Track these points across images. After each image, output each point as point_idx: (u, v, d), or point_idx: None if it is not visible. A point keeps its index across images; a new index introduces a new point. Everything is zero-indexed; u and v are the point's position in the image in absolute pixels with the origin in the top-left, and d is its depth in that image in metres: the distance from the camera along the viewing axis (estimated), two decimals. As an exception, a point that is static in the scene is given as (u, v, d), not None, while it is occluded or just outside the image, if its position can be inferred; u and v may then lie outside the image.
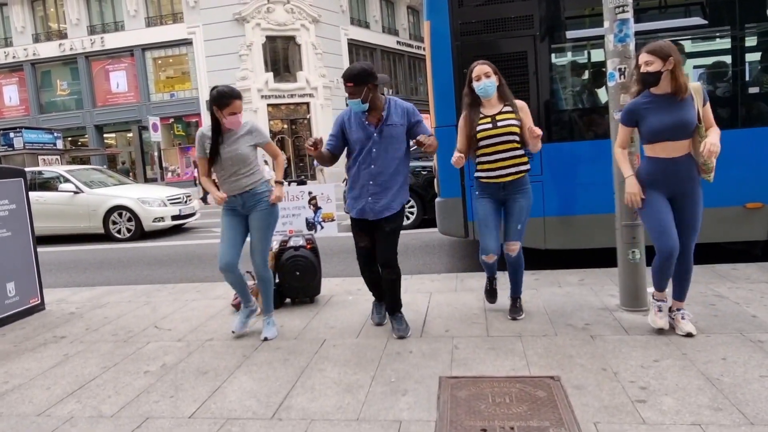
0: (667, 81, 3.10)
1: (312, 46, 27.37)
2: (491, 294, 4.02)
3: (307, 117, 28.06)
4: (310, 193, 4.82)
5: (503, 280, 4.00)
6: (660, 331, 3.37)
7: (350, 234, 3.87)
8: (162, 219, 10.31)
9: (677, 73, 3.06)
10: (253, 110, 25.94)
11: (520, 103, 3.61)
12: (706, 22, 4.95)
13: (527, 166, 3.61)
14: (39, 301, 4.89)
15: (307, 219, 4.77)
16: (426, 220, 8.71)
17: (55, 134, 20.23)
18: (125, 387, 3.15)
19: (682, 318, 3.36)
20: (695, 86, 3.15)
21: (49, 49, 27.54)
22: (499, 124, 3.50)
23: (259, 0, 26.05)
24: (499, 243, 3.70)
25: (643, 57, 3.10)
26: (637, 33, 3.74)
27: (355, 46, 29.92)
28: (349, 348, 3.52)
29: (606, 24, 3.74)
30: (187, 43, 26.90)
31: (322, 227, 4.74)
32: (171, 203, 10.66)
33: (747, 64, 4.89)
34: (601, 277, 4.69)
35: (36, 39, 27.85)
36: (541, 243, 5.14)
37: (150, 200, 10.34)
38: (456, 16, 5.04)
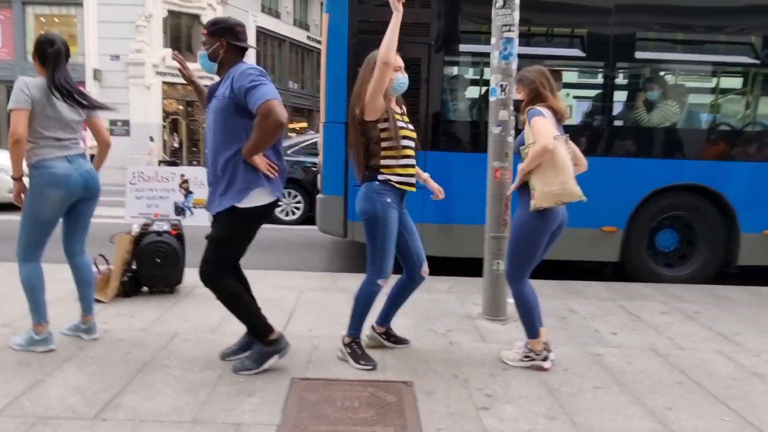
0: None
1: (218, 27, 26.18)
2: (369, 358, 3.11)
3: (206, 100, 26.77)
4: (182, 176, 4.50)
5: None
6: (513, 342, 3.51)
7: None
8: None
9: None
10: (146, 86, 24.28)
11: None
12: (583, 54, 5.30)
13: None
14: None
15: (175, 203, 4.45)
16: (311, 216, 8.57)
17: None
18: None
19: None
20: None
21: None
22: (409, 126, 3.12)
23: (164, -29, 24.50)
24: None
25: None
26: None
27: (263, 35, 29.07)
28: (202, 344, 3.30)
29: (493, 41, 3.86)
30: (77, 4, 24.61)
31: (192, 213, 4.44)
32: (33, 174, 9.56)
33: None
34: (468, 286, 4.83)
35: None
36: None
37: (5, 167, 9.20)
38: (355, 12, 4.98)
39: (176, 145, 26.57)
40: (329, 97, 5.11)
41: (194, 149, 27.14)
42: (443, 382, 2.91)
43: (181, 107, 26.99)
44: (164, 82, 25.22)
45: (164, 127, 25.96)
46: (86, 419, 2.39)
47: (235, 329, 3.53)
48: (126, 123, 24.43)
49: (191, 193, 4.44)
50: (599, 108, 5.27)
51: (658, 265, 5.41)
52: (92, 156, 3.42)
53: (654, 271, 5.35)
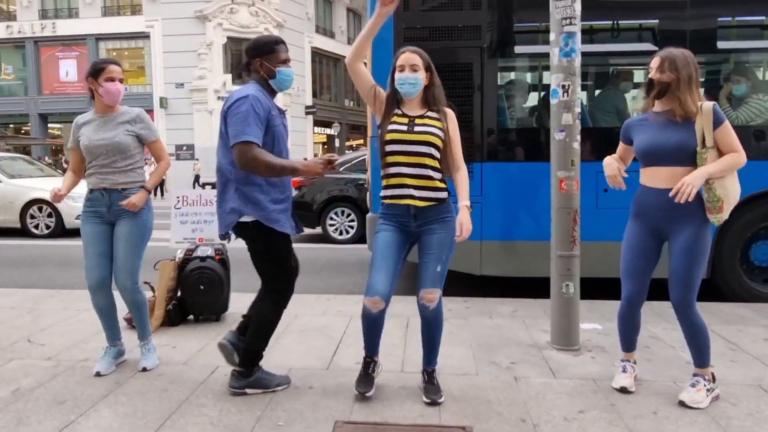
0: (673, 96, 2.64)
1: (275, 51, 26.86)
2: (366, 381, 2.82)
3: (265, 122, 27.42)
4: (227, 198, 4.33)
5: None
6: (589, 378, 3.06)
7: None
8: None
9: (682, 89, 2.60)
10: (209, 111, 25.14)
11: (448, 111, 2.79)
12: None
13: (444, 194, 2.75)
14: None
15: (220, 227, 4.27)
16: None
17: (-10, 119, 18.97)
18: (-46, 418, 2.59)
19: (692, 386, 2.77)
20: (705, 107, 2.61)
21: (-6, 31, 26.11)
22: (416, 128, 2.69)
23: (223, 0, 25.42)
24: (393, 288, 2.69)
25: (655, 62, 2.67)
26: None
27: (318, 55, 29.61)
28: (242, 379, 3.06)
29: (552, 36, 3.47)
30: (144, 36, 25.94)
31: (235, 236, 4.24)
32: (99, 200, 9.94)
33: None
34: (535, 309, 4.38)
35: (-20, 18, 26.36)
36: (476, 268, 4.82)
37: (74, 195, 9.54)
38: (400, 20, 4.70)
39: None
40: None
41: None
42: (508, 428, 2.52)
43: (242, 130, 27.79)
44: (226, 107, 26.08)
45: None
46: (110, 471, 2.18)
47: (278, 362, 3.31)
48: (191, 147, 25.38)
49: (236, 216, 4.26)
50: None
51: (754, 281, 4.75)
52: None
53: (749, 288, 4.70)
